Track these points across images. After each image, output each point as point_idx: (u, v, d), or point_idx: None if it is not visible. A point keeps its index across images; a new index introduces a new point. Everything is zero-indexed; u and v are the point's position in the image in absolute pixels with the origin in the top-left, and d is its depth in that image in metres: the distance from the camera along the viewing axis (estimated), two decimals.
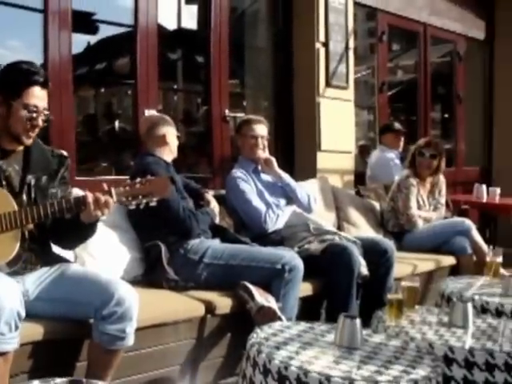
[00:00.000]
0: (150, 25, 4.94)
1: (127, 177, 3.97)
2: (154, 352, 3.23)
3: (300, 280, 3.66)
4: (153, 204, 2.74)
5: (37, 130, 2.86)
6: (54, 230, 2.90)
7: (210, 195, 4.17)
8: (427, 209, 5.51)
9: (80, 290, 2.80)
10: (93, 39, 6.24)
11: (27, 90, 2.78)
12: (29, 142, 2.86)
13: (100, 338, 2.76)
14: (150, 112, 4.79)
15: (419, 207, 5.42)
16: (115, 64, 7.01)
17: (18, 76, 2.79)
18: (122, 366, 2.93)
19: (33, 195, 2.84)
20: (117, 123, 6.82)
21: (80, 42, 5.22)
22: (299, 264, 3.66)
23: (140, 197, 2.70)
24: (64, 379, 2.12)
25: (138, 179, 2.72)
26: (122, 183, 2.74)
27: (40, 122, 2.83)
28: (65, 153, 3.10)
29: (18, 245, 2.68)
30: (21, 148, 2.91)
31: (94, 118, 7.31)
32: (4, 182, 2.79)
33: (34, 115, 2.79)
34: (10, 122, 2.80)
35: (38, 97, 2.81)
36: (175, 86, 6.62)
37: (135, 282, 3.53)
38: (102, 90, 7.53)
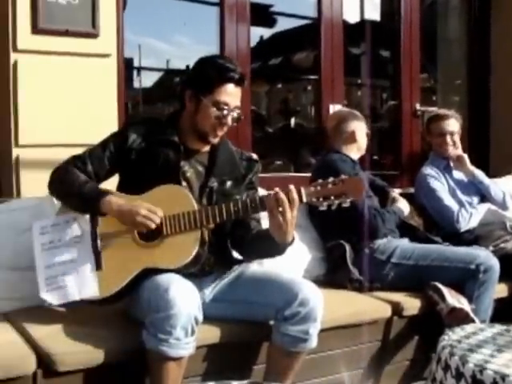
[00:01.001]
0: (335, 17, 4.92)
1: (307, 174, 3.97)
2: (336, 355, 3.18)
3: (496, 281, 3.53)
4: (346, 205, 2.60)
5: (225, 129, 2.81)
6: (239, 239, 2.88)
7: (396, 193, 4.08)
8: None
9: (260, 291, 2.77)
10: (266, 33, 6.29)
11: (219, 87, 2.73)
12: (215, 140, 2.83)
13: (281, 339, 2.71)
14: (336, 107, 4.77)
15: None
16: (292, 58, 7.04)
17: (212, 71, 2.75)
18: (303, 369, 2.88)
19: (214, 200, 2.81)
20: (293, 119, 6.86)
21: (253, 35, 5.23)
22: (495, 264, 3.52)
23: (332, 197, 2.57)
24: (244, 382, 2.10)
25: (331, 179, 2.59)
26: (312, 183, 2.63)
27: (229, 121, 2.77)
28: (255, 156, 3.08)
29: (198, 246, 2.65)
30: (206, 149, 2.90)
31: (268, 114, 7.37)
32: (184, 184, 2.77)
33: (224, 113, 2.74)
34: (197, 118, 2.78)
35: (230, 94, 2.75)
36: (359, 81, 6.56)
37: (317, 282, 3.44)
38: (278, 85, 7.57)
